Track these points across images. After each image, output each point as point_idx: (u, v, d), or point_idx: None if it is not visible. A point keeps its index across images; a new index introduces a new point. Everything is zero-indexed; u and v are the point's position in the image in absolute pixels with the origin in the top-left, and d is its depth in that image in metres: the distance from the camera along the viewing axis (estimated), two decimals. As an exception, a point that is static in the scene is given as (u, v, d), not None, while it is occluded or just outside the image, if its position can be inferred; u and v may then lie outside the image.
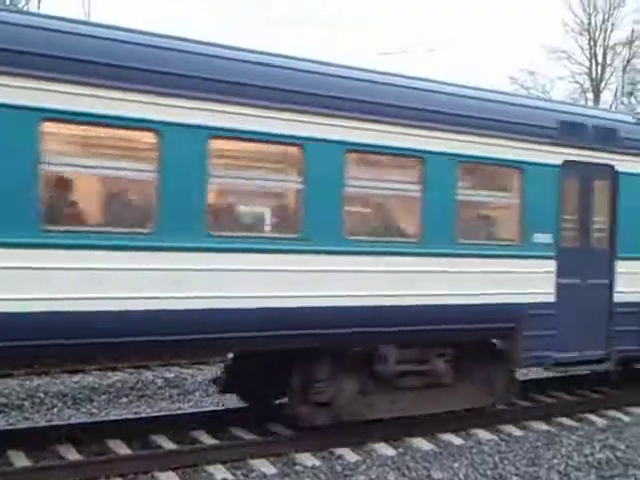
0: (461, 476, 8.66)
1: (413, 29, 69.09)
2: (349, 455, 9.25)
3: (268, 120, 8.42)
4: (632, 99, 51.59)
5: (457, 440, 10.06)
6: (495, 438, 10.19)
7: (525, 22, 69.75)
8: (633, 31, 53.45)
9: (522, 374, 14.24)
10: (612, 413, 11.77)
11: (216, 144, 8.20)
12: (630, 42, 53.82)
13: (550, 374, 13.99)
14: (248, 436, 9.83)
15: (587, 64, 54.40)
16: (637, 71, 53.85)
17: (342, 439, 9.59)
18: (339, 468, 8.80)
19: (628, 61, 54.65)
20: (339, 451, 9.33)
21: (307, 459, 9.04)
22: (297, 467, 8.83)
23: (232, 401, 11.36)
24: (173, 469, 8.46)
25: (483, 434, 10.34)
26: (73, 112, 7.42)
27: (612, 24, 54.14)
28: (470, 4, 73.45)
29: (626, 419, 11.54)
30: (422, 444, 9.80)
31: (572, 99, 48.40)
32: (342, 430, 9.75)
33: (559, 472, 8.89)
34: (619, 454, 9.58)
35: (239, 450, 9.12)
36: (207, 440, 9.62)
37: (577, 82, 53.46)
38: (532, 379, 13.68)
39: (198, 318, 8.00)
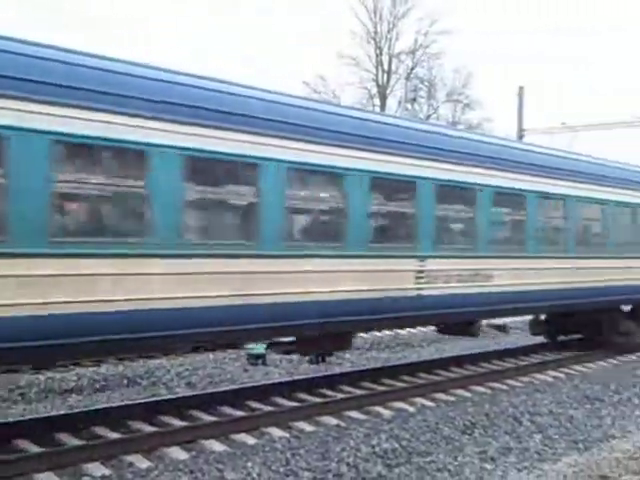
0: (254, 475, 8.69)
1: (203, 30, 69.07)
2: (140, 462, 9.02)
3: None
4: (415, 106, 54.30)
5: (250, 439, 10.10)
6: (287, 435, 10.33)
7: (318, 29, 71.65)
8: (416, 40, 56.38)
9: (313, 370, 14.65)
10: (398, 404, 12.28)
11: None
12: (413, 51, 56.71)
13: (343, 370, 14.49)
14: (33, 448, 9.35)
15: (374, 71, 56.62)
16: (419, 79, 56.81)
17: (132, 446, 9.36)
18: (130, 476, 8.55)
19: (411, 69, 57.58)
20: (129, 458, 9.08)
21: (96, 469, 8.73)
22: (85, 478, 8.50)
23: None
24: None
25: (275, 432, 10.46)
26: None
27: (397, 33, 56.72)
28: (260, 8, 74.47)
29: (411, 409, 12.08)
30: (215, 446, 9.75)
31: (361, 104, 50.28)
32: (132, 437, 9.51)
33: (348, 464, 9.15)
34: (404, 443, 10.02)
35: (24, 464, 8.65)
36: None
37: (365, 88, 55.50)
38: (325, 375, 14.05)
39: None
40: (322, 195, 11.44)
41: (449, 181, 12.67)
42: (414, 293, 12.10)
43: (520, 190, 14.35)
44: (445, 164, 12.62)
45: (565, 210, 15.75)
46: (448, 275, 12.62)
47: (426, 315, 12.64)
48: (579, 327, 18.54)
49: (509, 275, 13.89)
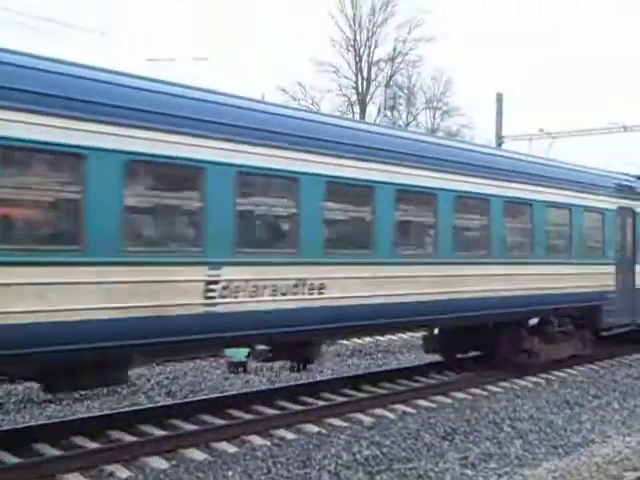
0: (235, 484, 8.67)
1: (184, 37, 69.02)
2: (120, 471, 8.96)
3: None
4: (394, 113, 54.45)
5: (231, 448, 10.06)
6: (268, 443, 10.29)
7: (296, 36, 71.72)
8: (395, 48, 56.61)
9: (294, 378, 14.62)
10: (379, 411, 12.28)
11: None
12: (392, 58, 56.94)
13: (324, 377, 14.46)
14: (12, 459, 9.26)
15: (354, 78, 56.78)
16: (398, 86, 57.00)
17: (112, 455, 9.29)
18: (109, 486, 8.51)
19: (391, 77, 57.79)
20: (109, 468, 9.02)
21: (75, 479, 8.66)
22: (64, 489, 8.44)
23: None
24: None
25: (256, 440, 10.42)
26: None
27: (376, 41, 56.93)
28: (242, 15, 74.53)
29: (392, 416, 12.09)
30: (196, 455, 9.70)
31: (340, 112, 50.40)
32: (112, 447, 9.46)
33: (329, 472, 9.14)
34: (385, 450, 10.02)
35: (2, 475, 8.56)
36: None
37: (345, 95, 55.64)
38: (306, 383, 14.03)
39: None
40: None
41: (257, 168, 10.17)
42: (201, 310, 9.49)
43: (367, 181, 11.58)
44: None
45: (436, 208, 12.91)
46: (256, 286, 10.05)
47: (220, 337, 9.88)
48: (476, 343, 16.14)
49: (353, 285, 11.32)
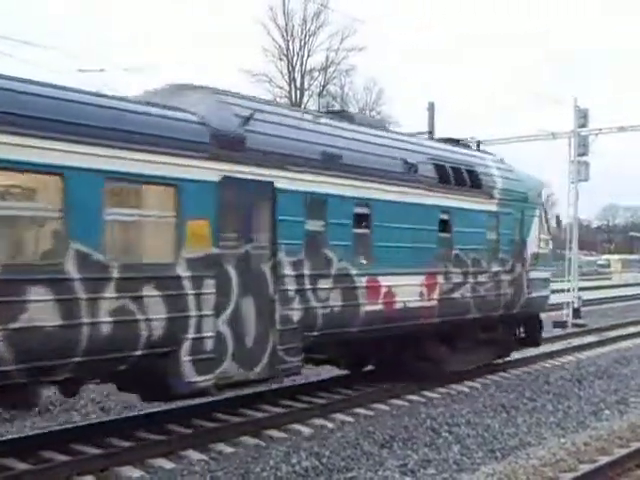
0: (172, 500, 8.50)
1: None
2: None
3: None
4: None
5: (168, 464, 9.87)
6: (206, 458, 10.14)
7: (225, 46, 71.44)
8: (327, 57, 56.89)
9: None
10: (318, 421, 12.22)
11: None
12: (325, 68, 57.19)
13: (262, 388, 14.30)
14: None
15: (287, 88, 56.86)
16: (332, 96, 57.28)
17: (43, 476, 9.02)
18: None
19: (324, 86, 58.02)
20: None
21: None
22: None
23: None
24: None
25: (194, 455, 10.25)
26: None
27: (309, 50, 57.15)
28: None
29: (330, 425, 12.04)
30: (132, 472, 9.49)
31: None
32: (43, 467, 9.23)
33: (268, 484, 9.04)
34: (324, 460, 9.95)
35: None
36: None
37: (278, 105, 55.52)
38: (243, 395, 13.87)
39: None
40: None
41: None
42: None
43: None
44: None
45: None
46: None
47: None
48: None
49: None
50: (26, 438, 10.70)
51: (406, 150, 14.38)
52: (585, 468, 9.66)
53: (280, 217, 11.31)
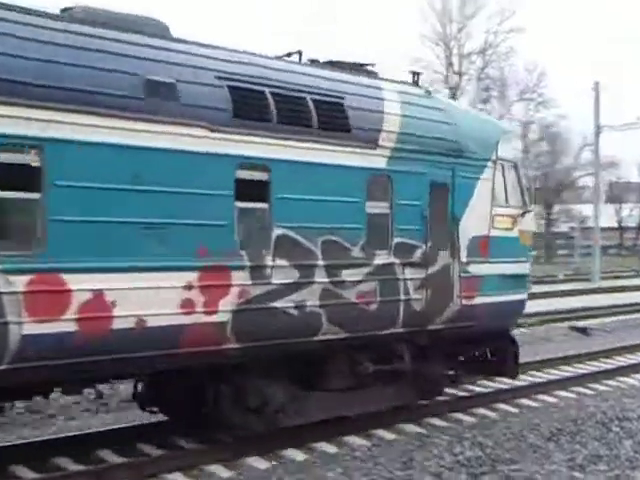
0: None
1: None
2: (220, 471, 9.02)
3: None
4: (487, 105, 53.64)
5: (331, 448, 9.98)
6: (368, 444, 10.18)
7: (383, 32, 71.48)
8: (486, 40, 55.77)
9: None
10: (480, 411, 12.00)
11: None
12: (483, 51, 56.11)
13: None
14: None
15: (444, 72, 56.25)
16: (491, 79, 56.14)
17: (214, 455, 9.35)
18: (211, 486, 8.52)
19: (482, 69, 56.93)
20: (210, 468, 9.07)
21: (178, 478, 8.76)
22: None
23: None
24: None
25: (355, 440, 10.32)
26: None
27: (466, 34, 56.29)
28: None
29: (493, 415, 11.80)
30: (296, 455, 9.67)
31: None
32: (213, 446, 9.51)
33: (431, 473, 8.95)
34: (488, 451, 9.76)
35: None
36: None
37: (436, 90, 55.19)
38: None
39: None
40: None
41: None
42: None
43: None
44: None
45: None
46: None
47: None
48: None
49: None
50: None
51: (154, 62, 8.38)
52: None
53: None
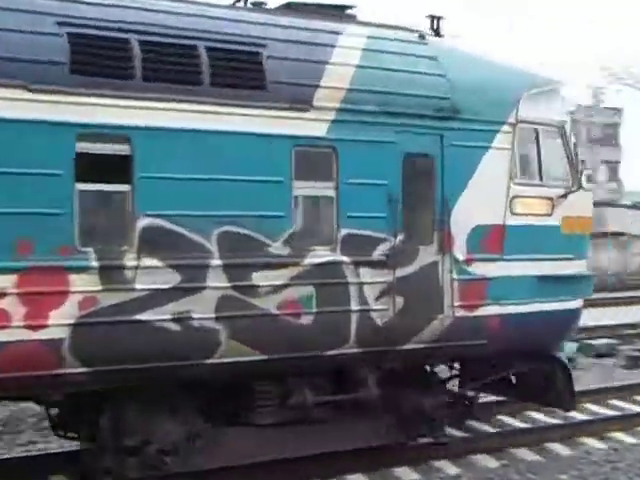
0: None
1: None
2: (448, 467, 8.89)
3: None
4: None
5: (565, 450, 9.57)
6: (605, 447, 9.66)
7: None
8: None
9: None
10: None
11: None
12: None
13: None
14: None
15: None
16: None
17: (441, 452, 9.22)
18: (439, 482, 8.45)
19: None
20: (437, 464, 8.96)
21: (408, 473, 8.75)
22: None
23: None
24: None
25: (592, 443, 9.84)
26: None
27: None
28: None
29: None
30: (526, 455, 9.37)
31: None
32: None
33: None
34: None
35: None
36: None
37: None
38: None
39: None
40: None
41: None
42: None
43: None
44: None
45: None
46: None
47: None
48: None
49: None
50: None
51: None
52: None
53: None
